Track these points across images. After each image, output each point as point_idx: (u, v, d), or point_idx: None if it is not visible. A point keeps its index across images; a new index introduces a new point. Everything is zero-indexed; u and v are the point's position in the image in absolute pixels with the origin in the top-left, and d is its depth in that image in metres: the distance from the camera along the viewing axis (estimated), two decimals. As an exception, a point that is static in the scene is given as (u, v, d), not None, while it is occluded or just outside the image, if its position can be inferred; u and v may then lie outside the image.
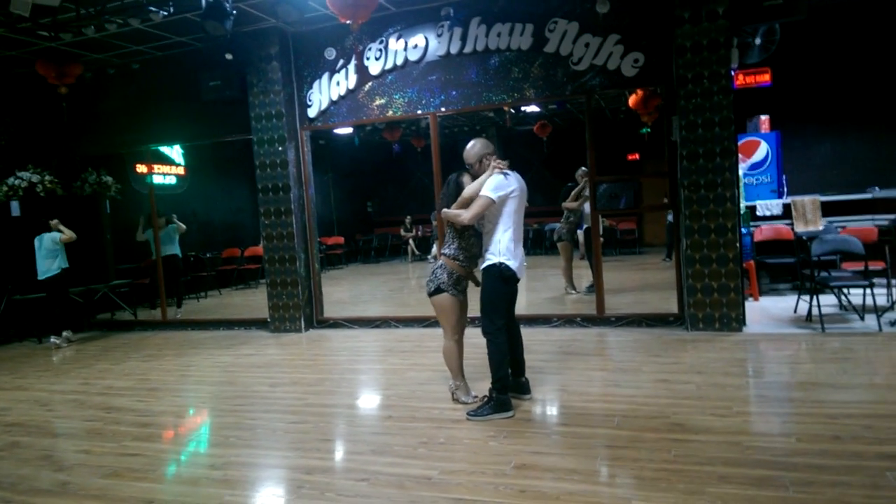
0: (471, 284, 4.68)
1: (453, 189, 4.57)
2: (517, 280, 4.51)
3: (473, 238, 4.55)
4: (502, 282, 4.42)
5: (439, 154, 7.96)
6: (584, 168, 8.57)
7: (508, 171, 4.45)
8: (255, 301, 11.31)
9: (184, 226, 10.35)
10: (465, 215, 4.31)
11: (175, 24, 7.51)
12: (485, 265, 4.46)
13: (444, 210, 4.50)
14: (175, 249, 10.23)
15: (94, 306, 9.99)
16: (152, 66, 9.03)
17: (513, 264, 4.39)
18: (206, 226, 14.22)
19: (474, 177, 4.56)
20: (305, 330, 8.35)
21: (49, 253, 8.50)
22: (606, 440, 3.87)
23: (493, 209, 4.36)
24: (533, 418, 4.49)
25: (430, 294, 4.58)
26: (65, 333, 8.76)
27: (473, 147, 4.57)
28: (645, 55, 6.89)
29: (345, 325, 8.38)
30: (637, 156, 16.41)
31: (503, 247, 4.38)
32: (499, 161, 4.47)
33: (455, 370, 4.73)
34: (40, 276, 8.54)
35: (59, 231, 8.62)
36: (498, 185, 4.34)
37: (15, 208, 9.17)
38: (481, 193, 4.32)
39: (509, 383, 4.55)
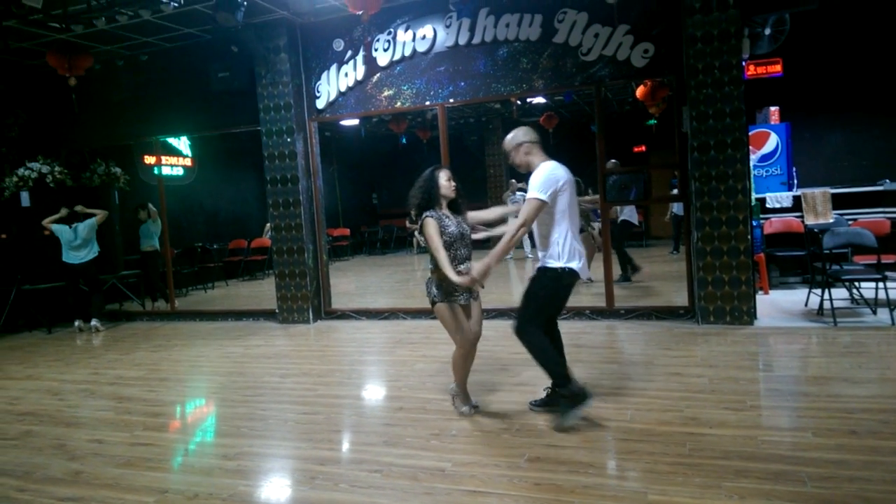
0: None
1: (427, 182, 4.15)
2: (577, 278, 4.12)
3: (451, 249, 4.09)
4: (561, 287, 4.10)
5: (448, 145, 7.93)
6: (613, 161, 8.56)
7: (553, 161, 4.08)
8: (262, 292, 11.33)
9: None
10: (519, 231, 3.91)
11: (185, 15, 7.49)
12: (543, 266, 4.09)
13: (499, 250, 3.92)
14: (156, 244, 10.24)
15: (102, 297, 10.02)
16: (161, 58, 9.01)
17: (576, 265, 4.03)
18: (213, 217, 14.25)
19: (516, 167, 4.23)
20: (314, 321, 8.35)
21: (85, 242, 8.76)
22: (620, 433, 3.86)
23: (544, 210, 3.97)
24: (545, 411, 4.48)
25: (431, 304, 4.24)
26: (93, 322, 8.88)
27: (514, 135, 4.21)
28: (655, 45, 6.85)
29: (353, 317, 8.38)
30: (644, 148, 16.35)
31: (562, 248, 4.01)
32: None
33: (460, 377, 4.39)
34: (77, 261, 8.72)
35: (91, 215, 8.85)
36: (546, 180, 3.94)
37: (25, 199, 9.20)
38: (529, 196, 3.94)
39: (566, 371, 4.06)
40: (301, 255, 8.29)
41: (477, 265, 3.98)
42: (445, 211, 4.21)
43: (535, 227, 4.13)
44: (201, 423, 4.96)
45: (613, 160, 8.62)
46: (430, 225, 4.06)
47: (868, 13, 9.92)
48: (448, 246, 4.07)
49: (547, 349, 4.08)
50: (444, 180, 4.18)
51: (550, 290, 4.11)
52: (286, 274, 8.39)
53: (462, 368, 4.36)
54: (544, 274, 4.10)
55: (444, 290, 4.13)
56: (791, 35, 7.32)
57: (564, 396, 4.01)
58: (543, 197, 3.91)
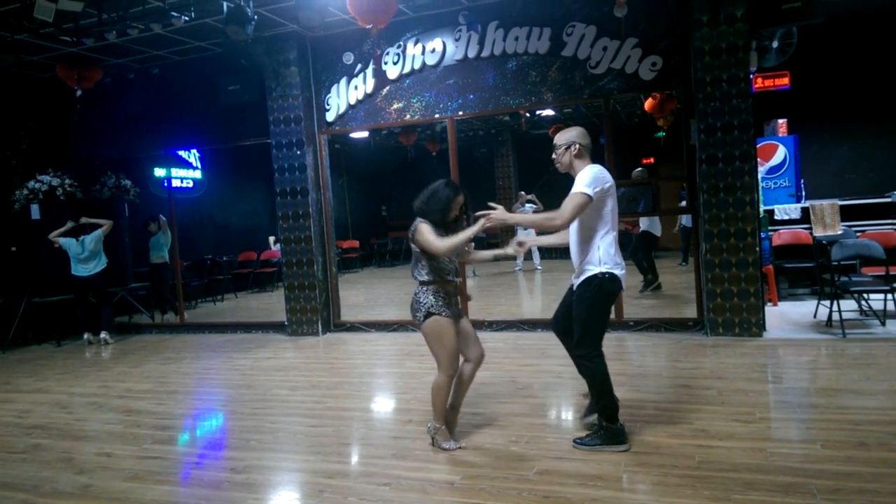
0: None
1: (431, 193, 3.92)
2: (621, 288, 3.91)
3: (437, 261, 3.91)
4: (604, 296, 3.81)
5: (457, 157, 7.97)
6: (640, 168, 8.62)
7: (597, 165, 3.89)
8: (271, 304, 11.36)
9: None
10: (558, 220, 3.68)
11: (195, 29, 7.58)
12: (584, 277, 3.82)
13: (527, 216, 3.84)
14: (165, 255, 10.31)
15: (112, 309, 10.07)
16: (172, 71, 9.10)
17: (618, 272, 3.81)
18: (222, 229, 14.32)
19: (557, 164, 3.99)
20: (323, 333, 8.37)
21: (93, 254, 8.81)
22: (629, 446, 3.84)
23: (589, 211, 3.76)
24: (553, 423, 4.48)
25: (421, 323, 3.91)
26: (102, 334, 8.92)
27: (570, 134, 3.97)
28: (663, 59, 6.88)
29: (361, 329, 8.40)
30: (652, 160, 16.34)
31: (603, 253, 3.78)
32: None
33: (440, 411, 3.99)
34: (85, 274, 8.77)
35: (97, 225, 8.92)
36: (595, 178, 3.72)
37: (35, 211, 9.26)
38: (575, 191, 3.69)
39: (618, 410, 3.87)
40: (310, 267, 8.32)
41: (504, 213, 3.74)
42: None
43: (574, 233, 3.92)
44: (210, 437, 4.97)
45: (640, 168, 8.70)
46: (425, 229, 3.81)
47: (874, 26, 9.92)
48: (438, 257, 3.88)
49: (607, 380, 3.83)
50: (456, 207, 3.96)
51: (595, 301, 3.81)
52: (295, 286, 8.42)
53: (444, 398, 3.98)
54: (586, 288, 3.82)
55: (444, 300, 3.89)
56: (798, 48, 7.33)
57: (605, 429, 3.85)
58: (590, 192, 3.67)
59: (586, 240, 3.84)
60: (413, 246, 3.93)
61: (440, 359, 3.93)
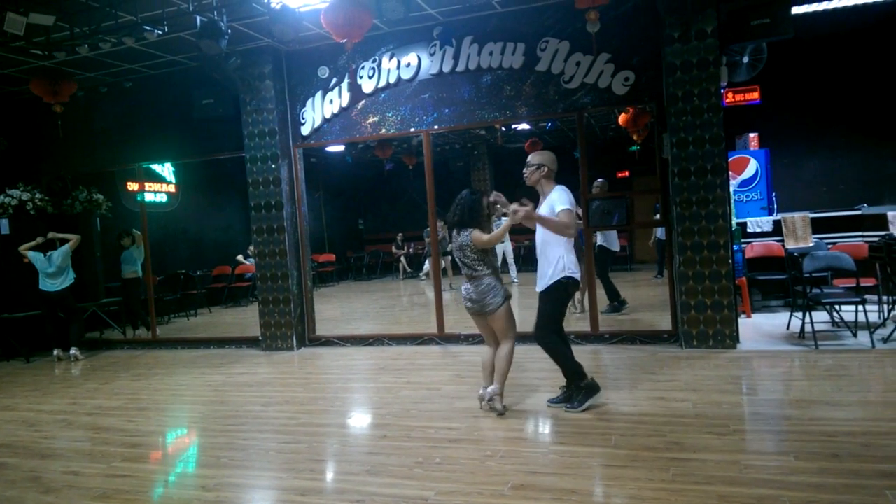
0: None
1: (468, 205, 4.79)
2: (577, 289, 4.90)
3: (490, 255, 4.80)
4: (566, 294, 4.72)
5: (433, 171, 7.97)
6: (601, 179, 8.59)
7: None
8: (245, 319, 11.23)
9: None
10: (570, 230, 4.60)
11: (168, 42, 7.53)
12: (553, 281, 4.65)
13: (549, 218, 4.59)
14: (138, 270, 10.18)
15: (82, 325, 9.89)
16: (145, 85, 9.02)
17: (577, 275, 4.70)
18: (196, 243, 14.18)
19: (526, 180, 4.86)
20: (297, 348, 8.29)
21: (60, 270, 8.69)
22: (604, 459, 3.85)
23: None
24: (529, 437, 4.47)
25: (498, 307, 4.72)
26: (72, 350, 8.77)
27: (544, 157, 4.83)
28: (635, 73, 6.96)
29: (337, 343, 8.33)
30: (627, 173, 16.51)
31: (567, 262, 4.63)
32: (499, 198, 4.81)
33: (506, 375, 4.87)
34: (53, 289, 8.64)
35: (65, 240, 8.78)
36: (571, 198, 4.67)
37: (4, 226, 9.10)
38: (563, 207, 4.57)
39: (582, 368, 4.79)
40: (285, 281, 8.25)
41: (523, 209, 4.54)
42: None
43: (541, 245, 4.74)
44: (181, 454, 4.88)
45: (601, 179, 8.65)
46: (478, 233, 4.71)
47: (843, 42, 10.15)
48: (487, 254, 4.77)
49: (566, 352, 4.76)
50: (486, 205, 4.83)
51: (560, 300, 4.72)
52: (270, 300, 8.34)
53: (510, 364, 4.86)
54: (554, 289, 4.66)
55: (504, 291, 4.79)
56: (768, 63, 7.46)
57: (581, 388, 4.72)
58: (574, 209, 4.64)
59: (552, 250, 4.66)
60: (468, 253, 4.74)
61: (508, 332, 4.79)
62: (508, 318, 4.77)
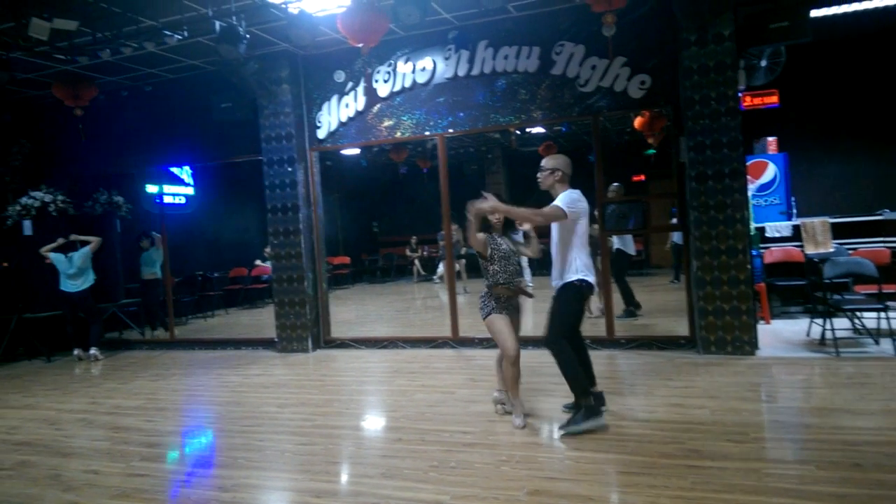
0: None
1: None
2: (593, 290, 4.69)
3: (503, 260, 4.69)
4: (579, 298, 4.59)
5: (447, 174, 7.98)
6: (616, 184, 8.57)
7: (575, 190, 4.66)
8: (262, 321, 11.30)
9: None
10: (539, 217, 4.52)
11: (188, 47, 7.60)
12: (565, 282, 4.57)
13: (516, 209, 4.55)
14: (157, 271, 10.27)
15: (102, 325, 9.99)
16: (165, 89, 9.12)
17: (591, 279, 4.57)
18: (213, 245, 14.27)
19: (540, 184, 4.78)
20: (312, 350, 8.32)
21: (81, 271, 8.80)
22: (621, 466, 3.83)
23: (565, 230, 4.56)
24: (544, 442, 4.45)
25: (483, 319, 4.76)
26: (92, 351, 8.86)
27: (558, 161, 4.73)
28: (652, 77, 6.93)
29: (352, 346, 8.35)
30: (643, 177, 16.42)
31: (580, 264, 4.54)
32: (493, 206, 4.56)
33: (508, 385, 4.77)
34: (74, 290, 8.76)
35: (86, 242, 8.91)
36: (570, 200, 4.54)
37: (27, 227, 9.22)
38: (554, 204, 4.53)
39: (589, 386, 4.61)
40: (301, 283, 8.29)
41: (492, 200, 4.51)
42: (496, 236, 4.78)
43: (556, 248, 4.66)
44: (198, 455, 4.91)
45: (616, 183, 8.63)
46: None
47: (862, 45, 10.04)
48: (501, 259, 4.68)
49: (574, 363, 4.49)
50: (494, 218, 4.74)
51: (574, 303, 4.59)
52: (285, 302, 8.38)
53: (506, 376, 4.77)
54: (565, 290, 4.57)
55: (503, 303, 4.71)
56: (787, 67, 7.40)
57: (581, 407, 4.45)
58: (564, 208, 4.48)
59: (566, 254, 4.59)
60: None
61: (499, 344, 4.72)
62: (496, 333, 4.67)
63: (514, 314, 4.78)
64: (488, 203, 4.49)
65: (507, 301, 4.74)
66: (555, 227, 4.68)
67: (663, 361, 6.49)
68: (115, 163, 9.69)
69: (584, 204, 4.62)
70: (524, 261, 13.55)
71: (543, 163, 4.78)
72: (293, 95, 8.21)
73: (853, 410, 4.58)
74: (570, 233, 4.56)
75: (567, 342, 4.54)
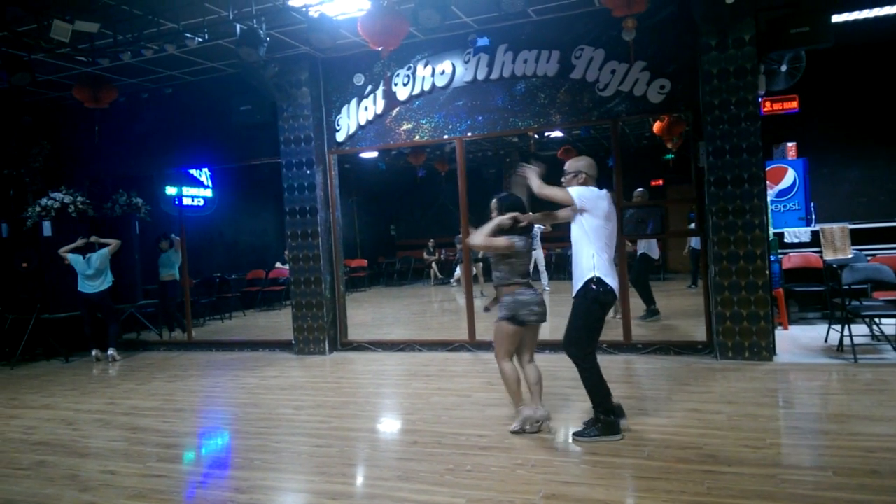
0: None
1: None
2: (615, 298, 4.38)
3: (515, 259, 4.50)
4: (598, 305, 4.28)
5: (466, 178, 7.99)
6: (640, 189, 8.56)
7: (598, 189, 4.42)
8: (279, 323, 11.36)
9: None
10: (542, 188, 4.32)
11: (208, 50, 7.68)
12: (581, 284, 4.30)
13: (532, 214, 4.52)
14: (175, 273, 10.37)
15: (120, 326, 10.10)
16: (185, 91, 9.21)
17: (610, 281, 4.25)
18: (232, 247, 14.38)
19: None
20: (329, 352, 8.35)
21: (99, 272, 8.88)
22: (637, 470, 3.81)
23: (578, 229, 4.32)
24: (561, 447, 4.44)
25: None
26: (110, 351, 8.94)
27: (580, 163, 4.51)
28: (671, 82, 6.90)
29: (368, 348, 8.38)
30: (661, 182, 16.34)
31: (598, 262, 4.25)
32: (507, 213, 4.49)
33: (510, 393, 4.66)
34: (92, 291, 8.84)
35: (105, 244, 9.00)
36: (586, 192, 4.30)
37: (47, 228, 9.34)
38: (570, 188, 4.32)
39: (612, 405, 4.36)
40: (318, 285, 8.34)
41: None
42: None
43: (574, 250, 4.40)
44: (215, 456, 4.95)
45: (640, 189, 8.63)
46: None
47: (883, 50, 9.94)
48: (516, 255, 4.48)
49: (600, 379, 4.30)
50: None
51: (589, 309, 4.28)
52: (303, 304, 8.43)
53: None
54: (583, 296, 4.29)
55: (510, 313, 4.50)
56: (807, 72, 7.34)
57: (600, 422, 4.31)
58: (575, 196, 4.24)
59: (584, 249, 4.31)
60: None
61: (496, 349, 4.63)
62: (499, 338, 4.55)
63: (532, 332, 4.61)
64: (528, 169, 4.43)
65: (536, 316, 4.50)
66: (572, 228, 4.41)
67: (680, 366, 6.45)
68: (134, 164, 9.80)
69: (604, 203, 4.31)
70: (541, 263, 13.57)
71: (566, 166, 4.57)
72: (312, 98, 8.27)
73: (871, 417, 4.53)
74: (582, 231, 4.30)
75: (594, 356, 4.33)
